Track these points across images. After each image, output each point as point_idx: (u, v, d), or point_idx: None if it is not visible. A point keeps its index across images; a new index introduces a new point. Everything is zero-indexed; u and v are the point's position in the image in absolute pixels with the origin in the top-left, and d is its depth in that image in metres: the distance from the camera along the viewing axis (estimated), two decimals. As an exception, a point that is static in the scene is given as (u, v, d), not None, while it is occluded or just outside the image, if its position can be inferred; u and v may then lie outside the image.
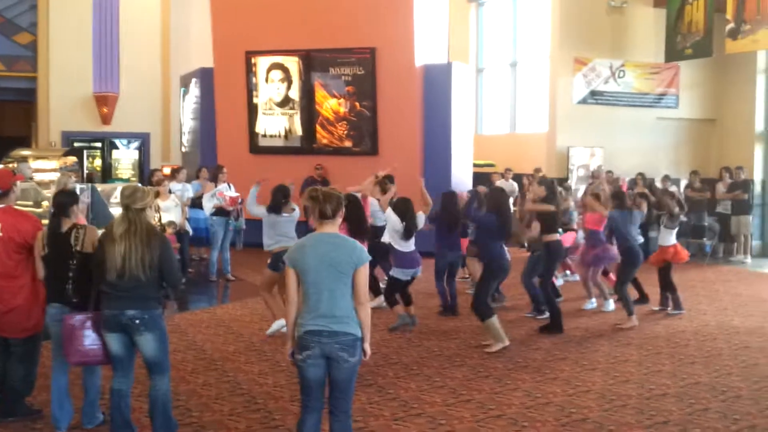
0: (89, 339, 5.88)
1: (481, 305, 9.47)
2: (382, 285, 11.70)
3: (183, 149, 21.89)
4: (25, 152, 18.04)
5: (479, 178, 18.38)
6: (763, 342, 10.00)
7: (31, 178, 13.48)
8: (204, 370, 8.38)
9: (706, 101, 19.93)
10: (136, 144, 24.36)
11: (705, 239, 17.98)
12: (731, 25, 16.78)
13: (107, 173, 23.76)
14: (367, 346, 5.24)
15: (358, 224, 9.46)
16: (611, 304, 11.68)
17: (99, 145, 24.05)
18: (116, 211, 12.93)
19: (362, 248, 5.25)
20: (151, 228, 5.75)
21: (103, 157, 24.08)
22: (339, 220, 5.29)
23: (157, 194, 13.80)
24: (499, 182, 18.79)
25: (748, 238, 17.82)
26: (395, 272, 10.15)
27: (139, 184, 6.82)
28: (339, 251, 5.13)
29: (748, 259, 17.55)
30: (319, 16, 17.58)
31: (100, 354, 5.89)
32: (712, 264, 17.22)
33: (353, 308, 5.14)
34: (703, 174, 18.67)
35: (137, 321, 5.64)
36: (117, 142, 24.08)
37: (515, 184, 18.48)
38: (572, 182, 18.12)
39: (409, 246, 10.11)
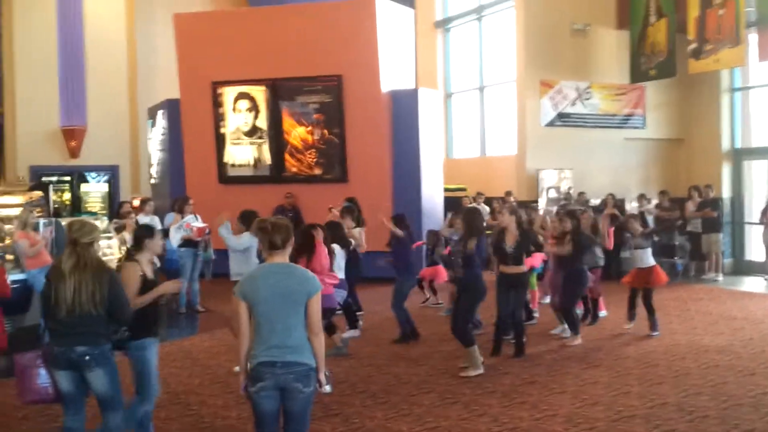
0: (42, 377, 5.76)
1: (465, 332, 9.42)
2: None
3: (152, 181, 21.74)
4: (-11, 187, 17.86)
5: (451, 202, 18.37)
6: (732, 360, 9.97)
7: (-7, 214, 13.33)
8: (167, 404, 8.23)
9: (672, 121, 20.05)
10: (105, 177, 24.19)
11: (676, 258, 18.02)
12: (693, 45, 16.89)
13: (76, 207, 23.53)
14: (321, 377, 5.16)
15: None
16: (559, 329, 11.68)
17: (68, 178, 23.83)
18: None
19: (314, 278, 5.17)
20: (100, 263, 5.65)
21: (72, 191, 23.87)
22: (289, 249, 5.22)
23: (124, 227, 13.84)
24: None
25: (719, 256, 17.84)
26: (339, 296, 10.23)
27: (86, 219, 6.73)
28: (291, 281, 5.05)
29: (720, 277, 17.57)
30: (284, 44, 17.59)
31: (53, 392, 5.76)
32: (684, 283, 17.21)
33: (306, 338, 5.05)
34: (673, 193, 18.71)
35: (87, 357, 5.53)
36: (86, 175, 23.86)
37: (487, 208, 18.46)
38: (542, 204, 18.11)
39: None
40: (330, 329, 10.34)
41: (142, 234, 6.32)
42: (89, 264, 5.54)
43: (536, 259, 12.22)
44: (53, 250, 12.33)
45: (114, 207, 21.85)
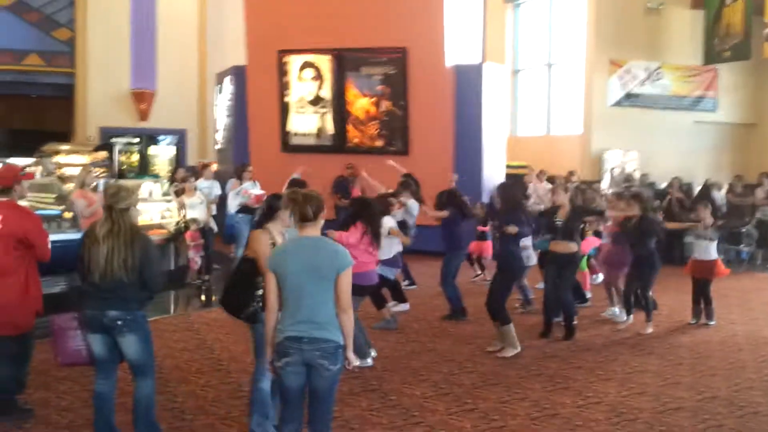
0: (77, 339, 5.79)
1: (500, 309, 9.27)
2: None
3: (217, 146, 21.90)
4: (57, 147, 18.16)
5: (515, 180, 18.11)
6: (790, 354, 9.66)
7: (52, 173, 13.51)
8: (209, 370, 8.27)
9: (746, 105, 19.50)
10: (174, 140, 24.48)
11: (742, 246, 17.55)
12: (770, 28, 16.40)
13: (144, 169, 23.85)
14: (350, 354, 5.06)
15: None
16: (610, 311, 11.38)
17: (137, 140, 24.16)
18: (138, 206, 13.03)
19: (345, 252, 5.06)
20: (135, 229, 5.62)
21: (140, 153, 24.20)
22: (321, 222, 5.12)
23: (183, 191, 13.94)
24: (533, 184, 18.59)
25: (788, 245, 17.35)
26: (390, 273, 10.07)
27: (124, 183, 6.71)
28: (320, 256, 4.95)
29: (788, 267, 17.09)
30: (350, 15, 17.48)
31: (86, 355, 5.79)
32: (749, 271, 16.77)
33: (335, 315, 4.96)
34: (743, 179, 18.24)
35: (119, 322, 5.52)
36: (155, 138, 24.16)
37: (549, 186, 18.15)
38: (604, 185, 17.77)
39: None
40: (379, 303, 10.30)
41: (276, 204, 6.06)
42: (123, 230, 5.52)
43: (590, 244, 11.95)
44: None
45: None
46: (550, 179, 18.65)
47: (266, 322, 5.08)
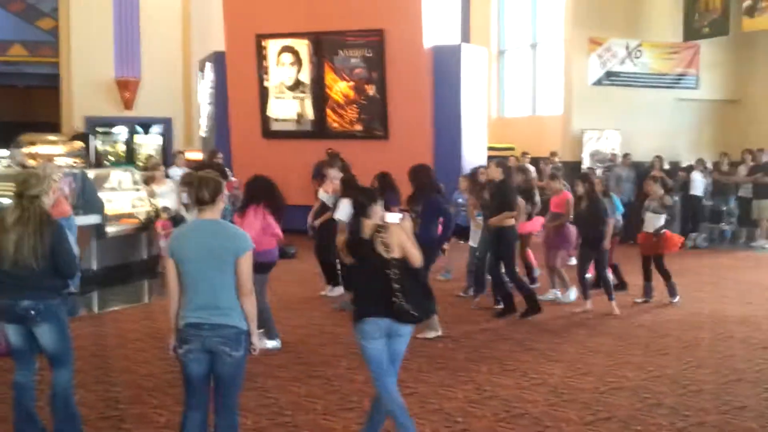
0: (-2, 330, 5.77)
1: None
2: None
3: (201, 134, 21.85)
4: (33, 137, 18.11)
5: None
6: (750, 332, 9.59)
7: (22, 163, 13.49)
8: (155, 360, 8.20)
9: (728, 81, 19.32)
10: (160, 129, 24.44)
11: (723, 224, 17.49)
12: (748, 2, 16.26)
13: (130, 158, 23.81)
14: (255, 339, 5.03)
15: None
16: (573, 294, 11.22)
17: (121, 130, 24.13)
18: (106, 196, 13.03)
19: (245, 235, 5.02)
20: (44, 216, 5.57)
21: (126, 142, 24.16)
22: (221, 205, 5.05)
23: (153, 179, 13.92)
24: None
25: (770, 222, 17.25)
26: None
27: (35, 170, 6.65)
28: (218, 239, 4.92)
29: (769, 244, 17.00)
30: (328, -3, 17.35)
31: (4, 346, 5.76)
32: (730, 249, 16.73)
33: (237, 299, 4.92)
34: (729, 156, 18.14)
35: (32, 312, 5.47)
36: (137, 127, 24.11)
37: (533, 168, 18.02)
38: (586, 165, 17.70)
39: None
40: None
41: (368, 200, 5.63)
42: (32, 217, 5.47)
43: (535, 224, 11.88)
44: (79, 201, 12.44)
45: (168, 159, 22.07)
46: (534, 162, 18.59)
47: (169, 307, 5.05)
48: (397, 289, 5.38)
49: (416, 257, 5.55)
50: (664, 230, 11.08)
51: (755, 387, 7.46)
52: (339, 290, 11.04)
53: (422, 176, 9.50)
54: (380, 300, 5.40)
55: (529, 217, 11.51)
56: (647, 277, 11.28)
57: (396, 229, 5.53)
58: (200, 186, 4.96)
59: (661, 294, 11.29)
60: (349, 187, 9.45)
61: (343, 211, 9.35)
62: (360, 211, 5.63)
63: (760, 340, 9.23)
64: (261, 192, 8.41)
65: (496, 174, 10.16)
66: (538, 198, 11.91)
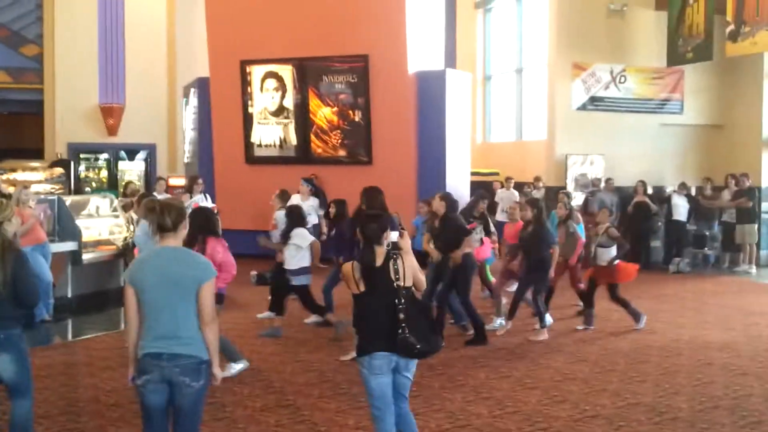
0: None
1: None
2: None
3: (185, 160, 21.77)
4: (13, 163, 18.01)
5: (482, 186, 17.90)
6: (730, 358, 9.49)
7: (0, 191, 13.38)
8: (122, 389, 8.07)
9: (712, 107, 19.27)
10: (143, 155, 24.37)
11: (706, 249, 17.46)
12: (731, 27, 16.26)
13: (113, 184, 23.72)
14: (216, 370, 4.90)
15: None
16: (497, 322, 11.03)
17: (102, 156, 24.07)
18: (84, 223, 12.89)
19: (207, 263, 4.92)
20: (7, 243, 5.45)
21: (109, 169, 24.07)
22: (183, 232, 4.95)
23: (132, 205, 13.79)
24: (500, 191, 18.48)
25: (753, 247, 17.19)
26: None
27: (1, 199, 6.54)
28: (180, 266, 4.80)
29: (753, 270, 16.91)
30: (312, 23, 17.30)
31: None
32: (714, 275, 16.67)
33: (198, 329, 4.80)
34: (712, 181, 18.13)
35: (-8, 341, 5.36)
36: (121, 153, 24.06)
37: (516, 193, 18.03)
38: (571, 190, 17.62)
39: None
40: (319, 309, 10.32)
41: (383, 225, 5.56)
42: (-6, 245, 5.37)
43: (485, 249, 11.71)
44: (55, 227, 12.33)
45: (151, 185, 21.98)
46: (518, 187, 18.55)
47: (128, 337, 4.91)
48: (402, 319, 5.29)
49: (423, 283, 5.55)
50: (617, 260, 10.98)
51: (732, 414, 7.35)
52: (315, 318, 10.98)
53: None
54: (390, 333, 5.29)
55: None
56: (589, 304, 11.18)
57: (407, 257, 5.47)
58: (162, 213, 4.86)
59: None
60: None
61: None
62: (373, 239, 5.47)
63: (739, 366, 9.13)
64: (207, 224, 8.10)
65: (440, 207, 10.02)
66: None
